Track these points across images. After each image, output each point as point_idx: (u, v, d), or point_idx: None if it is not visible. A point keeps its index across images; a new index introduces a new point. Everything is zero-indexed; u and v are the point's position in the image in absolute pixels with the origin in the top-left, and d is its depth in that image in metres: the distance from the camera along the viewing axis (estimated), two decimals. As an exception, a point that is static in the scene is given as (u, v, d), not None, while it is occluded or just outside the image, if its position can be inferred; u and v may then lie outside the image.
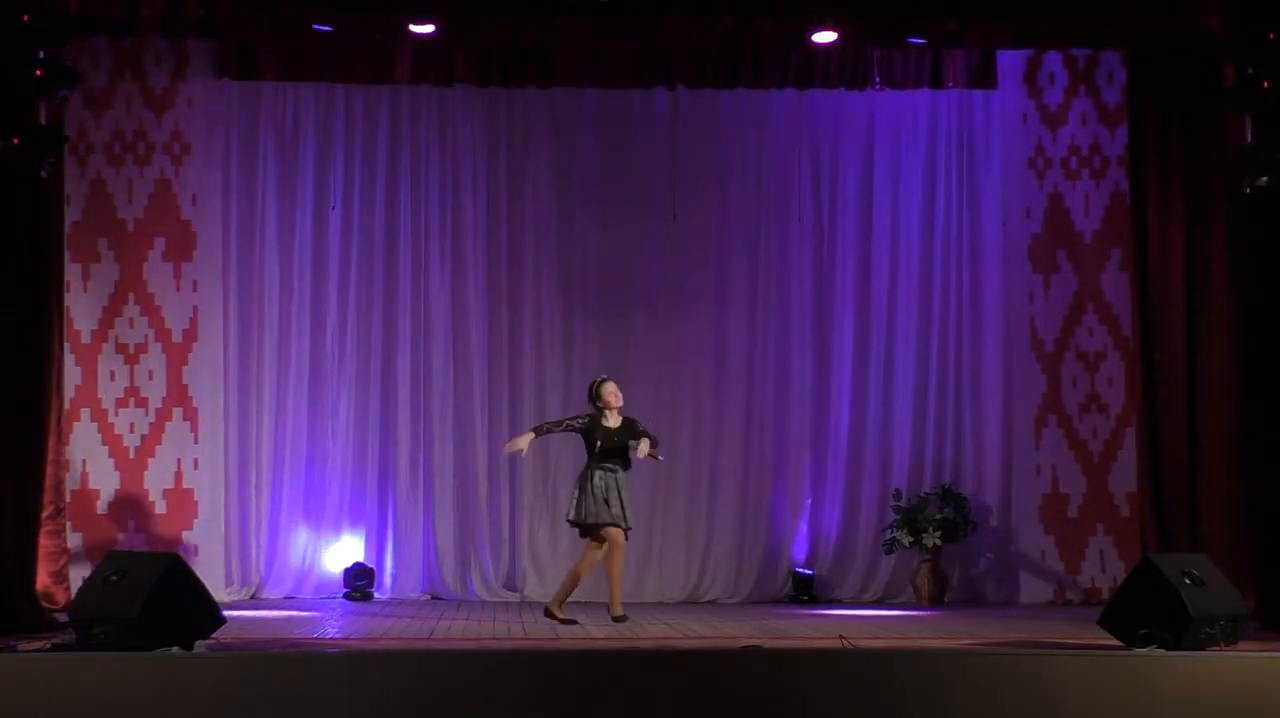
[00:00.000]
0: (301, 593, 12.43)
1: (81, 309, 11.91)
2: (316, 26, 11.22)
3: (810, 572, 12.64)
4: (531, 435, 10.42)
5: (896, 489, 12.68)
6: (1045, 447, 12.53)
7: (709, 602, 12.51)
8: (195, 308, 12.14)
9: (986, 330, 12.88)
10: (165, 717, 7.11)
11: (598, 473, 10.14)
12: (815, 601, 12.49)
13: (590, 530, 10.21)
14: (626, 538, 10.25)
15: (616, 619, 10.19)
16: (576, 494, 10.21)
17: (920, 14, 11.21)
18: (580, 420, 10.34)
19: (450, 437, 12.65)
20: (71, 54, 11.29)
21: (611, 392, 10.33)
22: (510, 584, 12.59)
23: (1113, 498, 12.43)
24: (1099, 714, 7.28)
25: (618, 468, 10.19)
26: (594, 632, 9.90)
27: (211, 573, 11.60)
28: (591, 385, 10.42)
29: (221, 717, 7.10)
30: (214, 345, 12.21)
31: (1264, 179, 10.29)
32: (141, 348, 12.03)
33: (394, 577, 12.55)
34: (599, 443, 10.18)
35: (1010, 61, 12.63)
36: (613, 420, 10.33)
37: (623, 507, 10.15)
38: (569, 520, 10.33)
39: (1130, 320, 12.18)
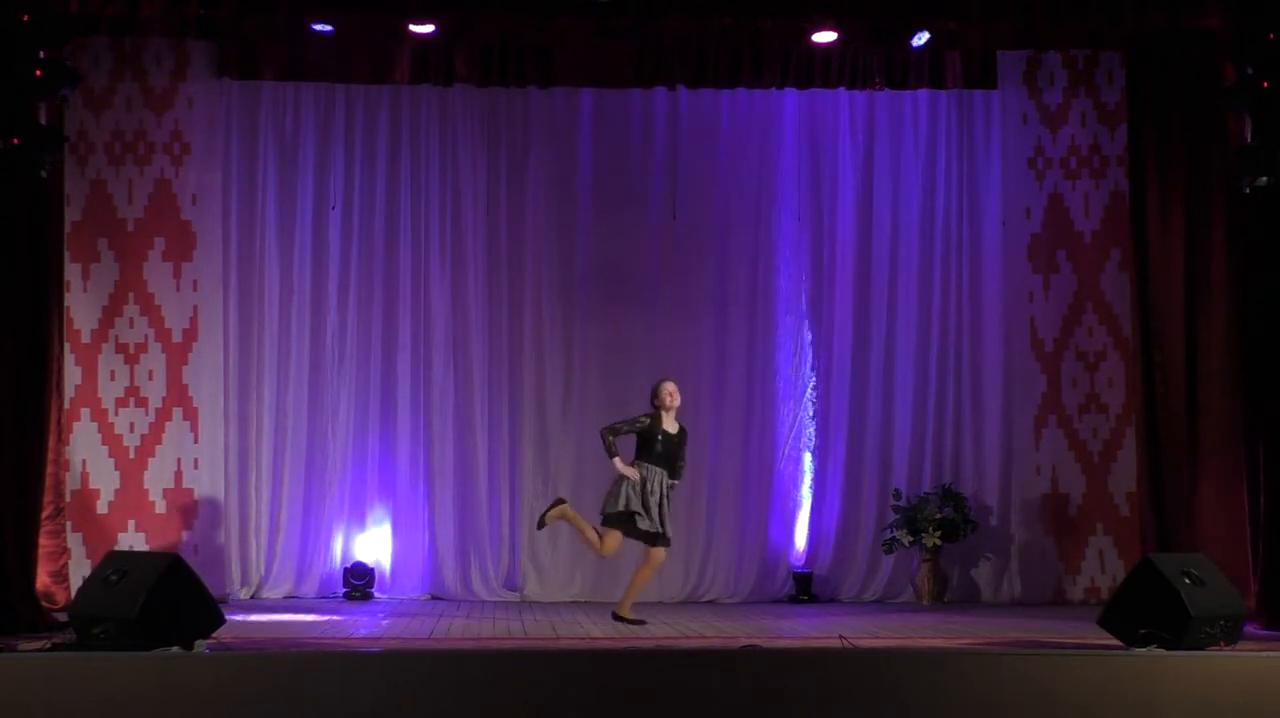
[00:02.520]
0: (302, 593, 12.43)
1: (81, 309, 11.91)
2: (315, 26, 11.22)
3: (808, 570, 12.64)
4: (616, 454, 10.10)
5: (896, 489, 12.68)
6: (1045, 447, 12.54)
7: (709, 602, 12.50)
8: (195, 308, 12.14)
9: (986, 330, 12.89)
10: (165, 717, 7.10)
11: (653, 475, 10.08)
12: (815, 600, 12.50)
13: (624, 522, 10.12)
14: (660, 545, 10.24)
15: (619, 619, 10.21)
16: (624, 489, 10.06)
17: (920, 14, 11.21)
18: (641, 421, 10.23)
19: (450, 437, 12.65)
20: (71, 54, 11.33)
21: (669, 391, 10.25)
22: (510, 584, 12.59)
23: (1113, 498, 12.44)
24: (1099, 714, 7.27)
25: (664, 471, 10.14)
26: (594, 632, 9.90)
27: (211, 573, 11.60)
28: (653, 386, 10.39)
29: (221, 717, 7.10)
30: (214, 345, 12.21)
31: (1264, 179, 10.30)
32: (141, 348, 12.03)
33: (394, 576, 12.55)
34: (658, 443, 10.12)
35: (1010, 61, 12.63)
36: (670, 424, 10.25)
37: (662, 519, 10.10)
38: (615, 511, 10.19)
39: (1130, 320, 12.19)
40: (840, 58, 12.53)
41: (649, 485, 10.07)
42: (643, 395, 12.02)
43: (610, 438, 10.08)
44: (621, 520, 10.11)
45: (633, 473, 10.06)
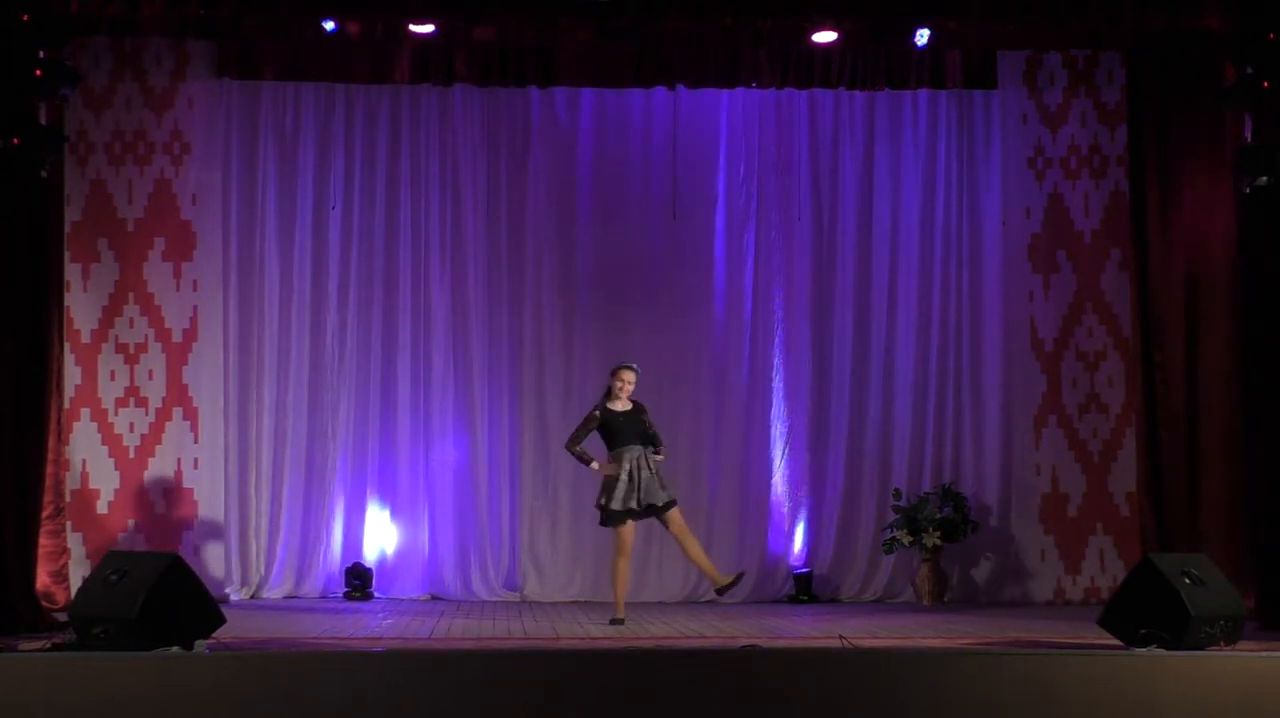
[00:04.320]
0: (302, 592, 12.43)
1: (81, 309, 11.90)
2: (326, 24, 11.22)
3: (808, 570, 12.64)
4: (590, 461, 10.43)
5: (896, 489, 12.68)
6: (1045, 447, 12.52)
7: (709, 602, 12.49)
8: (195, 308, 12.12)
9: (986, 330, 12.88)
10: (165, 717, 7.10)
11: (628, 455, 10.30)
12: (815, 600, 12.50)
13: (612, 519, 10.29)
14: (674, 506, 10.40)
15: (720, 591, 10.42)
16: (607, 488, 10.30)
17: (920, 13, 11.21)
18: (594, 418, 10.49)
19: (450, 437, 12.65)
20: (71, 54, 11.31)
21: (620, 378, 10.49)
22: (510, 584, 12.59)
23: (1113, 498, 12.43)
24: (1099, 714, 7.27)
25: (636, 445, 10.35)
26: (594, 632, 9.91)
27: (211, 573, 11.64)
28: (614, 369, 10.62)
29: (221, 717, 7.10)
30: (214, 345, 12.21)
31: (1264, 179, 10.31)
32: (141, 348, 12.02)
33: (394, 576, 12.55)
34: (611, 427, 10.40)
35: (1010, 61, 12.62)
36: (619, 405, 10.47)
37: (659, 485, 10.29)
38: (600, 506, 10.38)
39: (1130, 320, 12.18)
40: (840, 58, 12.52)
41: (628, 467, 10.28)
42: (642, 395, 12.08)
43: (575, 449, 10.45)
44: (611, 517, 10.30)
45: (612, 468, 10.33)
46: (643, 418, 10.50)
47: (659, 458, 10.47)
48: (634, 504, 10.25)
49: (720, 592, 10.44)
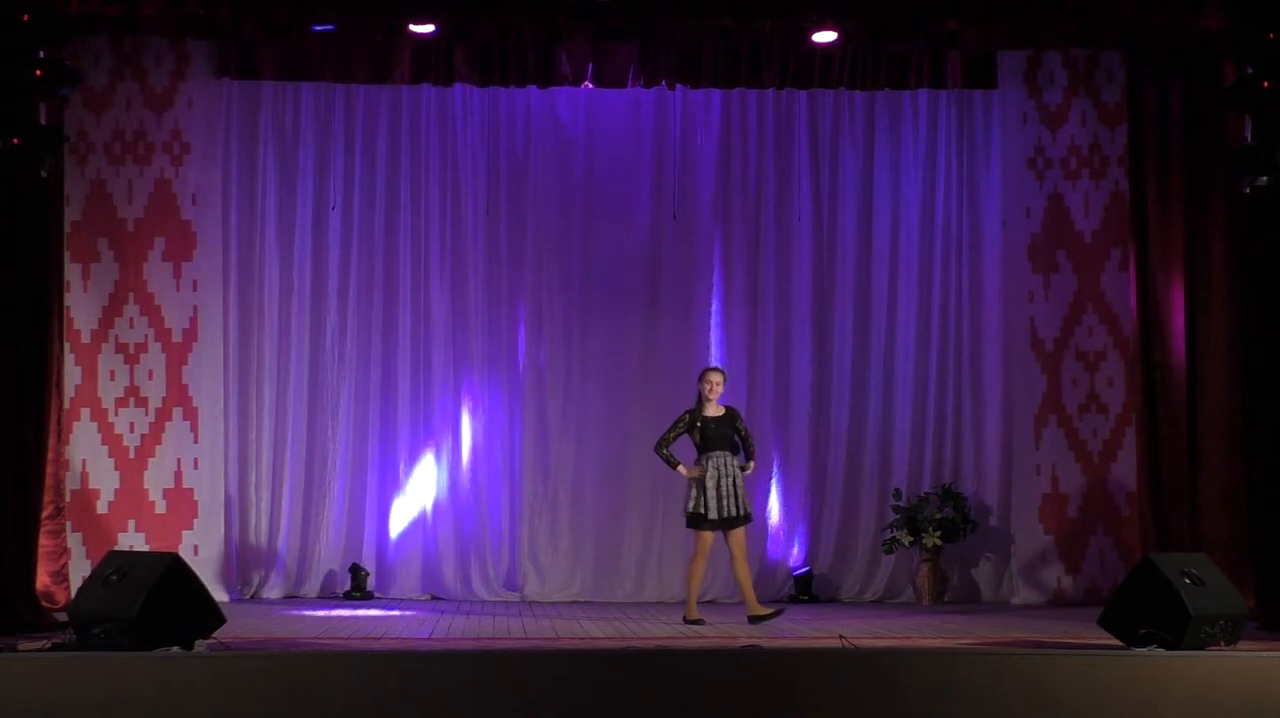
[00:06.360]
0: (302, 592, 12.43)
1: (81, 309, 11.90)
2: (316, 28, 11.22)
3: (808, 570, 12.64)
4: (677, 465, 10.52)
5: (896, 489, 12.69)
6: (1045, 447, 12.51)
7: (709, 602, 12.46)
8: (195, 308, 12.13)
9: (986, 330, 12.89)
10: (165, 717, 7.11)
11: (709, 464, 10.37)
12: (815, 600, 12.49)
13: (698, 523, 10.37)
14: (746, 523, 10.51)
15: (754, 619, 10.33)
16: (691, 491, 10.39)
17: (920, 13, 11.21)
18: (684, 420, 10.58)
19: (450, 436, 12.65)
20: (71, 54, 11.30)
21: (708, 381, 10.59)
22: (510, 584, 12.59)
23: (1113, 498, 12.43)
24: (1099, 714, 7.28)
25: (726, 453, 10.43)
26: (594, 632, 9.91)
27: (211, 573, 11.63)
28: (700, 374, 10.75)
29: (221, 717, 7.10)
30: (214, 345, 12.21)
31: (1264, 179, 10.31)
32: (141, 348, 12.02)
33: (394, 576, 12.54)
34: (700, 431, 10.48)
35: (1010, 61, 12.62)
36: (712, 410, 10.54)
37: (736, 499, 10.35)
38: (687, 513, 10.46)
39: (1130, 320, 12.18)
40: (840, 58, 12.53)
41: (715, 475, 10.35)
42: (641, 395, 12.13)
43: (664, 451, 10.56)
44: (696, 521, 10.41)
45: (695, 472, 10.42)
46: (735, 424, 10.59)
47: (746, 471, 10.54)
48: (724, 514, 10.31)
49: (753, 621, 10.34)
